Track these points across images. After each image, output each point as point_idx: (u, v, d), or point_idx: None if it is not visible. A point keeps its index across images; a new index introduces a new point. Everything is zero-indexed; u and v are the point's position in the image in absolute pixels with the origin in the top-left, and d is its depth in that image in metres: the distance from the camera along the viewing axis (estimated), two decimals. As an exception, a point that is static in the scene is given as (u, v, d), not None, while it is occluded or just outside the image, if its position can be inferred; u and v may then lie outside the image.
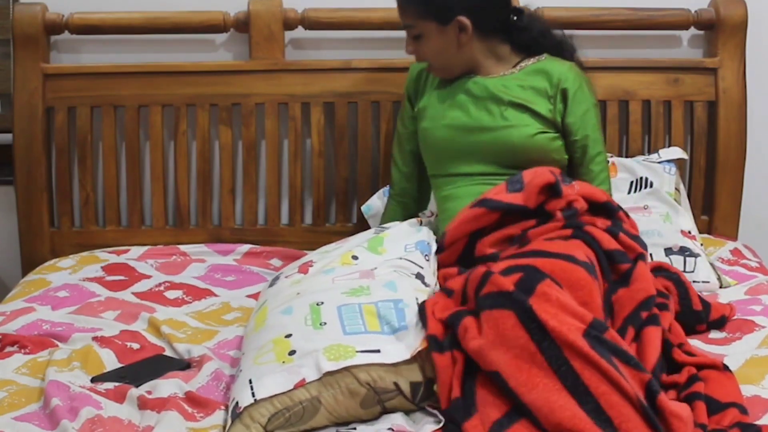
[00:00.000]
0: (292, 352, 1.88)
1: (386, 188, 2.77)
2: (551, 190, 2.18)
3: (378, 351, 1.86)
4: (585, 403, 1.72)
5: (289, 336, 1.92)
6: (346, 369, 1.84)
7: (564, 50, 2.48)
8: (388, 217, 2.61)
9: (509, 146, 2.36)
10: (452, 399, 1.83)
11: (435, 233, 2.31)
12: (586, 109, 2.39)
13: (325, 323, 1.92)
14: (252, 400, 1.81)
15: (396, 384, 1.85)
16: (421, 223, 2.36)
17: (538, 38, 2.44)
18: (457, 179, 2.40)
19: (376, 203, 2.76)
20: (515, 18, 2.42)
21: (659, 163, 2.73)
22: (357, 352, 1.86)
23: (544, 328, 1.78)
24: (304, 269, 2.18)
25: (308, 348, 1.88)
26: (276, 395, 1.82)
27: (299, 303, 2.01)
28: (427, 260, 2.18)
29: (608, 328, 1.83)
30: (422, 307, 1.95)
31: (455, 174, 2.41)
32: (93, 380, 2.01)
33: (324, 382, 1.83)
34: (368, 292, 1.99)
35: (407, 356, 1.86)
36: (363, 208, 2.78)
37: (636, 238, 2.18)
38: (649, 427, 1.70)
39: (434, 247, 2.23)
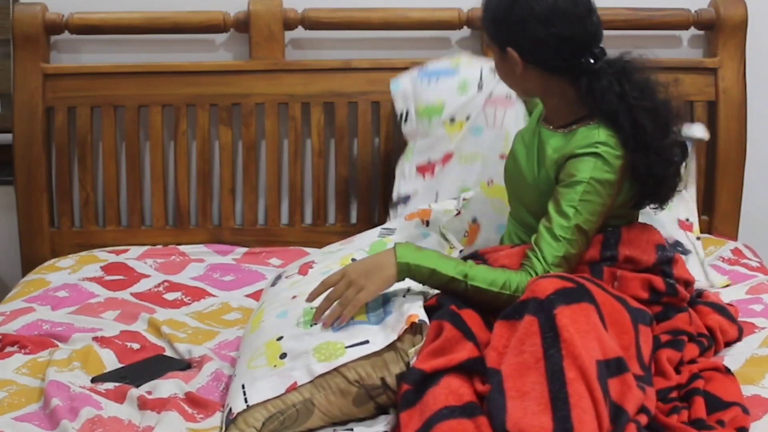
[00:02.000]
0: (283, 355, 1.89)
1: (415, 69, 2.69)
2: None
3: (366, 342, 1.88)
4: (557, 410, 1.69)
5: (280, 338, 1.93)
6: (336, 369, 1.85)
7: (617, 120, 2.03)
8: None
9: (538, 208, 2.10)
10: (419, 369, 1.82)
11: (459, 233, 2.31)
12: (575, 181, 2.01)
13: (315, 323, 1.93)
14: (245, 406, 1.82)
15: (383, 379, 1.86)
16: (427, 225, 2.34)
17: (610, 88, 2.03)
18: (514, 216, 2.26)
19: (405, 80, 2.68)
20: (591, 61, 2.03)
21: None
22: (346, 347, 1.87)
23: (558, 335, 1.75)
24: (304, 270, 2.19)
25: (299, 350, 1.89)
26: (269, 399, 1.83)
27: (294, 306, 2.02)
28: None
29: (628, 371, 1.78)
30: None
31: (513, 212, 2.27)
32: (93, 380, 2.01)
33: (315, 384, 1.85)
34: None
35: (395, 337, 1.87)
36: (391, 82, 2.69)
37: (674, 308, 2.10)
38: None
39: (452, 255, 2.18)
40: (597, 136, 2.02)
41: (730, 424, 1.81)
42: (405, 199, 2.66)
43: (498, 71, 2.17)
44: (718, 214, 2.91)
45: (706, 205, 2.93)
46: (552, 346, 1.75)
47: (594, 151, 2.01)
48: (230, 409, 1.84)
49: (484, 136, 2.59)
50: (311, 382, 1.85)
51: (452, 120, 2.62)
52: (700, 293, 2.27)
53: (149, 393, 1.95)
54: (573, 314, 1.78)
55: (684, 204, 2.61)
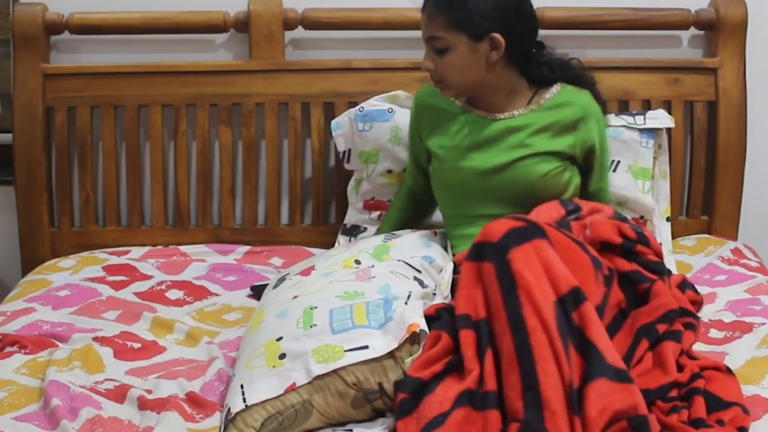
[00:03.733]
0: (282, 356, 1.89)
1: (354, 110, 2.71)
2: None
3: (366, 347, 1.87)
4: (522, 363, 1.73)
5: (279, 339, 1.93)
6: (334, 372, 1.85)
7: (582, 83, 2.36)
8: (394, 206, 2.59)
9: (525, 186, 2.26)
10: (415, 377, 1.82)
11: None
12: (605, 161, 2.41)
13: (315, 325, 1.93)
14: (243, 406, 1.82)
15: (380, 384, 1.86)
16: (435, 234, 2.36)
17: (557, 72, 2.33)
18: (471, 219, 2.31)
19: (344, 121, 2.72)
20: (536, 51, 2.31)
21: (640, 130, 2.68)
22: (345, 351, 1.87)
23: (515, 281, 1.78)
24: (306, 272, 2.19)
25: (298, 350, 1.89)
26: (267, 400, 1.83)
27: (294, 306, 2.02)
28: (432, 266, 2.18)
29: (586, 300, 1.81)
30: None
31: (468, 215, 2.32)
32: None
33: (314, 385, 1.85)
34: (362, 296, 2.00)
35: (395, 345, 1.87)
36: (332, 123, 2.74)
37: (651, 264, 2.15)
38: (568, 408, 1.71)
39: (449, 267, 2.20)
40: (586, 95, 2.31)
41: (730, 423, 1.81)
42: (355, 230, 2.70)
43: (454, 65, 2.20)
44: (718, 214, 2.91)
45: (706, 205, 2.93)
46: (510, 293, 1.78)
47: (602, 121, 2.35)
48: (229, 409, 1.84)
49: None
50: (310, 383, 1.84)
51: (390, 171, 2.67)
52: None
53: (149, 393, 1.95)
54: (526, 255, 1.81)
55: (643, 199, 2.64)
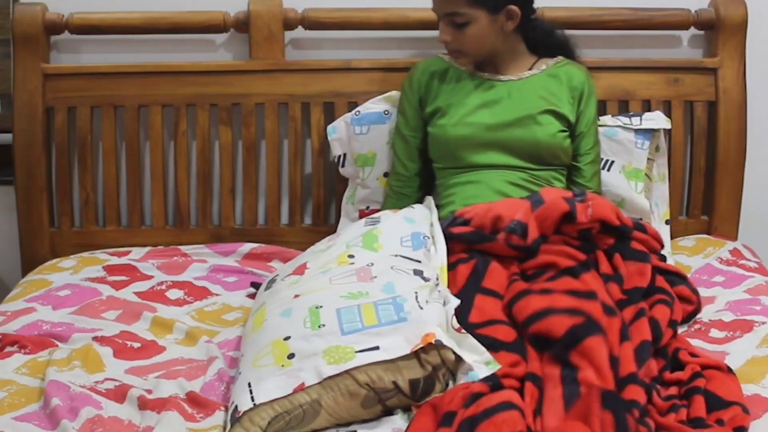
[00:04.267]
0: (291, 356, 1.88)
1: (350, 114, 2.74)
2: (567, 217, 2.23)
3: (377, 348, 1.86)
4: (569, 397, 1.80)
5: (287, 338, 1.92)
6: (346, 371, 1.84)
7: (568, 50, 2.62)
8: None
9: (533, 142, 2.47)
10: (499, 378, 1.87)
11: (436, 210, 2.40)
12: (593, 117, 2.57)
13: (324, 325, 1.92)
14: (251, 405, 1.81)
15: (395, 383, 1.85)
16: (413, 207, 2.39)
17: (547, 37, 2.58)
18: (475, 169, 2.49)
19: (341, 125, 2.74)
20: (532, 17, 2.54)
21: (636, 131, 2.69)
22: (356, 352, 1.86)
23: (576, 373, 1.84)
24: (300, 271, 2.18)
25: (307, 351, 1.87)
26: (276, 399, 1.82)
27: (298, 305, 2.00)
28: (427, 250, 2.19)
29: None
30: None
31: (473, 165, 2.49)
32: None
33: (324, 385, 1.83)
34: (367, 296, 1.99)
35: (407, 351, 1.86)
36: (329, 128, 2.76)
37: (638, 255, 2.24)
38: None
39: (437, 234, 2.25)
40: (583, 69, 2.57)
41: (730, 423, 1.81)
42: None
43: (473, 37, 2.41)
44: (718, 214, 2.91)
45: (706, 205, 2.93)
46: (569, 375, 1.85)
47: (593, 86, 2.58)
48: (236, 407, 1.82)
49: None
50: (320, 383, 1.83)
51: (386, 174, 2.70)
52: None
53: (149, 392, 1.95)
54: (584, 352, 1.88)
55: (638, 201, 2.67)
